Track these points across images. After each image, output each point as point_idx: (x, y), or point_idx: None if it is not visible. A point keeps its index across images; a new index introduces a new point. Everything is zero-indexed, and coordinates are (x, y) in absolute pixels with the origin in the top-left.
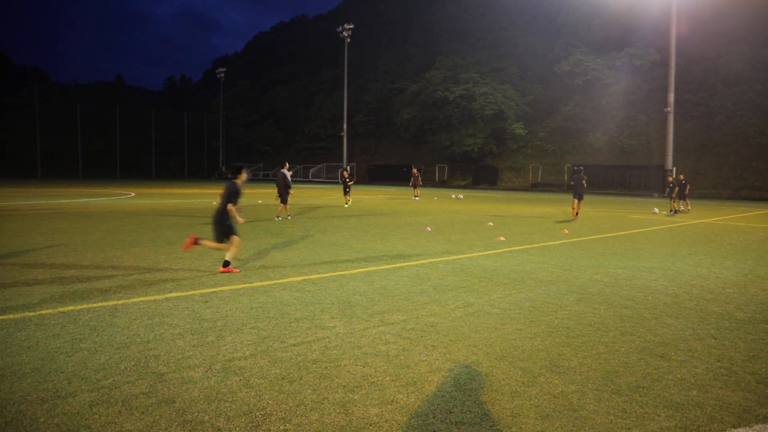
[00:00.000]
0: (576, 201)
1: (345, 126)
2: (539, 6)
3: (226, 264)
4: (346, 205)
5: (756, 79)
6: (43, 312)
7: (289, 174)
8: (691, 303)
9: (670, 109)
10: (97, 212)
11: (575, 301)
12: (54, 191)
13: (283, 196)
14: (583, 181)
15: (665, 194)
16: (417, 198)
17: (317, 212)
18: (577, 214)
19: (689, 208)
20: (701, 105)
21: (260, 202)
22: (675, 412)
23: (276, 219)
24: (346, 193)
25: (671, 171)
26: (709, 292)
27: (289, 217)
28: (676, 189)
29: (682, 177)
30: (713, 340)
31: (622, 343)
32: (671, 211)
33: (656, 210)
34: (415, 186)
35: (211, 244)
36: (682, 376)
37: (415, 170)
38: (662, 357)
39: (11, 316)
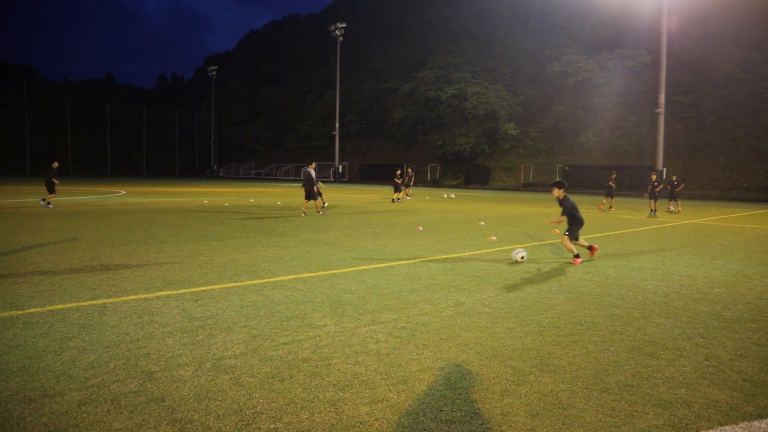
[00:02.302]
0: (605, 198)
1: (337, 125)
2: (531, 6)
3: (591, 247)
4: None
5: (745, 81)
6: (31, 310)
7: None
8: (680, 302)
9: (661, 110)
10: (86, 210)
11: (565, 300)
12: (43, 189)
13: (310, 194)
14: (610, 182)
15: (647, 195)
16: (408, 197)
17: (309, 211)
18: (608, 207)
19: (680, 208)
20: (691, 106)
21: (251, 201)
22: (663, 411)
23: (302, 215)
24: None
25: (656, 171)
26: (697, 291)
27: (303, 214)
28: (657, 189)
29: (674, 177)
30: (701, 339)
31: (612, 342)
32: (652, 211)
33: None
34: (407, 186)
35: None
36: (670, 375)
37: (409, 170)
38: (651, 356)
39: None
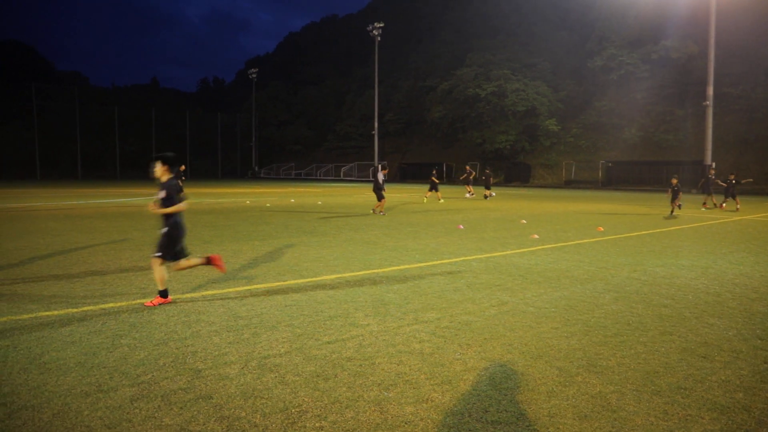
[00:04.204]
0: (711, 196)
1: (376, 125)
2: (571, 1)
3: (210, 259)
4: (441, 201)
5: None
6: (85, 308)
7: (381, 175)
8: (735, 302)
9: (709, 102)
10: (134, 212)
11: (612, 300)
12: (94, 191)
13: (378, 194)
14: (716, 179)
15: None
16: (471, 195)
17: (350, 210)
18: (721, 205)
19: (723, 205)
20: (742, 98)
21: (292, 201)
22: (720, 415)
23: (372, 212)
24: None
25: (675, 174)
26: (753, 291)
27: (381, 213)
28: (677, 192)
29: (732, 177)
30: (759, 341)
31: (662, 342)
32: (671, 212)
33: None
34: (467, 183)
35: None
36: (726, 378)
37: (468, 167)
38: (705, 358)
39: (56, 312)
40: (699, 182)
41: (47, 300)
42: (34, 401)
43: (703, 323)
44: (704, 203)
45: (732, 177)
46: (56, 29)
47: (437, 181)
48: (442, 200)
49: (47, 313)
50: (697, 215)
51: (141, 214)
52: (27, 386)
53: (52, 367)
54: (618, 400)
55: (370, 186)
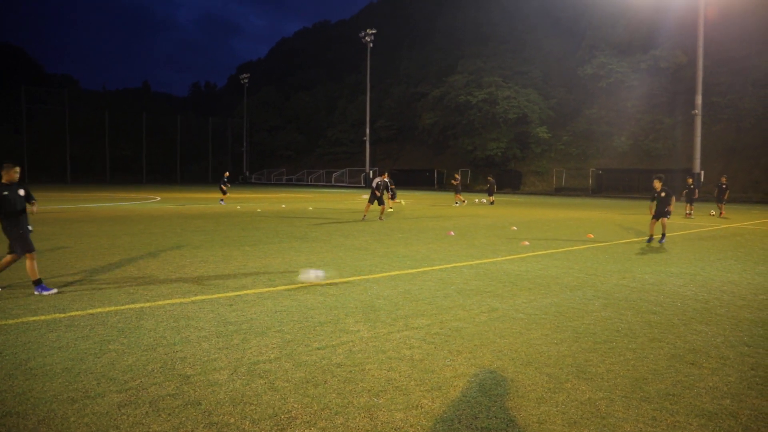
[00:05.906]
0: (718, 204)
1: (368, 131)
2: (562, 9)
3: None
4: (390, 210)
5: None
6: (72, 314)
7: (377, 181)
8: (722, 309)
9: (698, 111)
10: (124, 216)
11: (601, 307)
12: (83, 196)
13: (380, 199)
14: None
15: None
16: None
17: (341, 217)
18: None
19: (722, 213)
20: (730, 107)
21: (283, 206)
22: (708, 421)
23: (379, 219)
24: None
25: (692, 174)
26: (740, 298)
27: (381, 219)
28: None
29: (690, 181)
30: (746, 348)
31: (651, 349)
32: (687, 214)
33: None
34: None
35: None
36: (714, 384)
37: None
38: (693, 364)
39: (42, 318)
40: (715, 192)
41: (34, 305)
42: (20, 408)
43: (691, 330)
44: (720, 212)
45: (690, 181)
46: (46, 31)
47: (392, 187)
48: (391, 209)
49: (34, 318)
50: (687, 223)
51: (131, 218)
52: (12, 392)
53: (38, 373)
54: (607, 406)
55: (361, 192)
